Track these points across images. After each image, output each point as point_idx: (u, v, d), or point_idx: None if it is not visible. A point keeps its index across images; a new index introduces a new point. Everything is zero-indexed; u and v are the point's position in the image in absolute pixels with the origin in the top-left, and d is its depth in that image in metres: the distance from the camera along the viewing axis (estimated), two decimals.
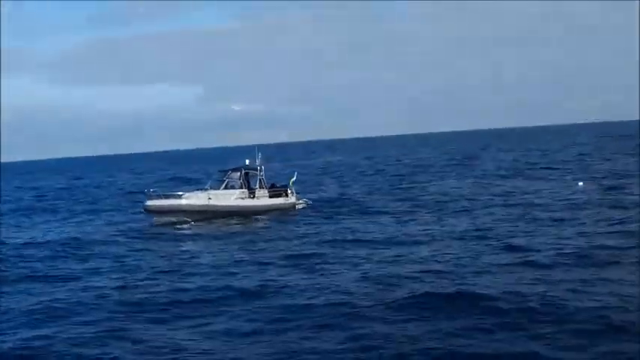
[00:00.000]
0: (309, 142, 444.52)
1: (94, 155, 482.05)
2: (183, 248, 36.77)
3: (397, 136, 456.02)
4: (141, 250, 36.89)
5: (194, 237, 40.72)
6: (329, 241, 35.28)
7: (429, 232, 36.15)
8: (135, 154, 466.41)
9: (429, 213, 43.87)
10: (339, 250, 32.71)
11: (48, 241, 41.02)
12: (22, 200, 78.88)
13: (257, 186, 48.72)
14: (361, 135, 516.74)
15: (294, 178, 51.24)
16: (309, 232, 39.26)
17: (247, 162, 49.73)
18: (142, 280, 28.22)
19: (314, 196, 55.75)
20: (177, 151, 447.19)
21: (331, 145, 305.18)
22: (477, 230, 35.71)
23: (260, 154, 49.25)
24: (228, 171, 49.89)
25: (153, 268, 30.95)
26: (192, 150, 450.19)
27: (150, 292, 25.71)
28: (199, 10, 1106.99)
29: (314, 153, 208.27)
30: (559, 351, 17.04)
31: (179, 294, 25.23)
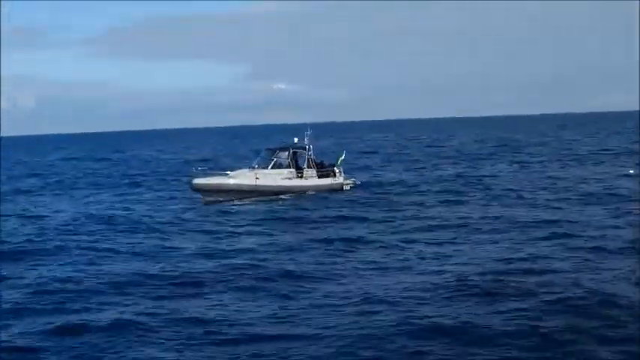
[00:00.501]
0: (353, 123, 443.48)
1: (136, 130, 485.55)
2: (226, 227, 36.41)
3: (431, 119, 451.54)
4: (184, 224, 37.23)
5: (238, 217, 40.26)
6: (375, 224, 34.86)
7: (478, 217, 35.59)
8: (179, 129, 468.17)
9: (480, 198, 43.10)
10: (385, 232, 32.47)
11: (92, 215, 41.32)
12: (66, 174, 79.50)
13: (305, 165, 48.35)
14: (400, 117, 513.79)
15: (343, 157, 50.59)
16: (354, 214, 38.87)
17: (296, 140, 49.18)
18: (180, 256, 28.42)
19: (362, 174, 55.60)
20: (219, 128, 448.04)
21: (372, 126, 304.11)
22: (525, 215, 35.60)
23: (309, 131, 48.70)
24: (276, 150, 49.48)
25: (194, 244, 31.10)
26: (234, 127, 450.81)
27: (187, 269, 25.94)
28: None
29: (356, 133, 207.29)
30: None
31: (217, 271, 25.45)
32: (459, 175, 57.87)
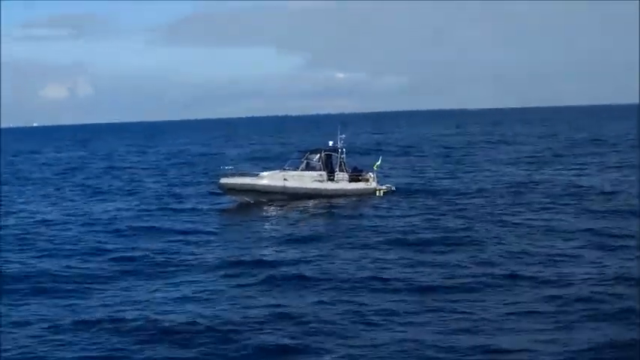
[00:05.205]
0: (408, 112, 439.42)
1: (195, 119, 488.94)
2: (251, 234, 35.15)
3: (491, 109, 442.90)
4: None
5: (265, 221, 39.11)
6: (396, 239, 32.04)
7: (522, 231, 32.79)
8: (239, 118, 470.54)
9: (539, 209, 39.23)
10: (406, 248, 30.13)
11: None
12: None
13: (337, 168, 46.53)
14: (459, 107, 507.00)
15: (379, 163, 49.06)
16: (379, 223, 36.49)
17: (330, 143, 47.65)
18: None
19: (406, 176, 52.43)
20: (283, 117, 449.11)
21: (432, 117, 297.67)
22: None
23: (343, 135, 47.13)
24: (307, 152, 48.15)
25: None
26: (293, 117, 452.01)
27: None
28: None
29: (416, 123, 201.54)
30: None
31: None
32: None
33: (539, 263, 26.40)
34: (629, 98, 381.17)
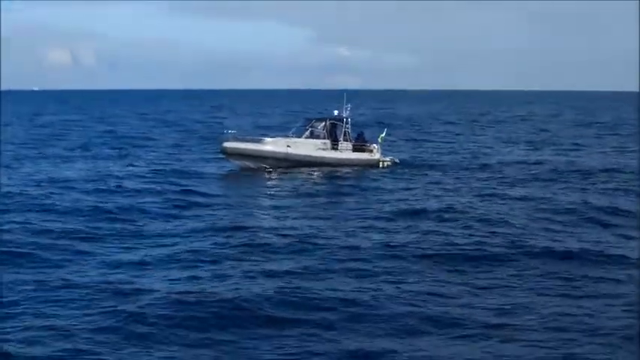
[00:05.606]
0: (413, 91, 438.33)
1: (200, 89, 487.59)
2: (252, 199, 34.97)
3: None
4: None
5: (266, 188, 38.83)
6: (399, 210, 31.38)
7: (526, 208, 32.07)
8: (244, 90, 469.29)
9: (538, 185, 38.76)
10: (409, 218, 29.48)
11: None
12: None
13: (341, 138, 46.18)
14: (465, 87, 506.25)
15: (384, 135, 48.49)
16: (382, 194, 36.14)
17: (336, 112, 47.47)
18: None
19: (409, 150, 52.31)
20: (283, 91, 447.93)
21: (439, 97, 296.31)
22: None
23: (349, 105, 46.59)
24: (312, 120, 48.09)
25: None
26: (298, 90, 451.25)
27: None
28: None
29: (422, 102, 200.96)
30: None
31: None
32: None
33: (542, 237, 25.92)
34: (629, 86, 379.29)
